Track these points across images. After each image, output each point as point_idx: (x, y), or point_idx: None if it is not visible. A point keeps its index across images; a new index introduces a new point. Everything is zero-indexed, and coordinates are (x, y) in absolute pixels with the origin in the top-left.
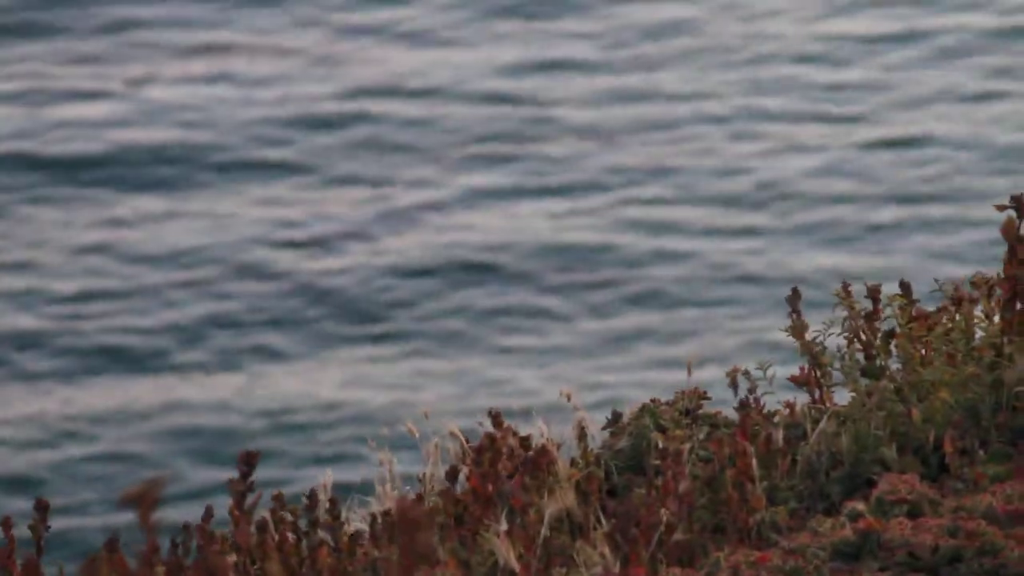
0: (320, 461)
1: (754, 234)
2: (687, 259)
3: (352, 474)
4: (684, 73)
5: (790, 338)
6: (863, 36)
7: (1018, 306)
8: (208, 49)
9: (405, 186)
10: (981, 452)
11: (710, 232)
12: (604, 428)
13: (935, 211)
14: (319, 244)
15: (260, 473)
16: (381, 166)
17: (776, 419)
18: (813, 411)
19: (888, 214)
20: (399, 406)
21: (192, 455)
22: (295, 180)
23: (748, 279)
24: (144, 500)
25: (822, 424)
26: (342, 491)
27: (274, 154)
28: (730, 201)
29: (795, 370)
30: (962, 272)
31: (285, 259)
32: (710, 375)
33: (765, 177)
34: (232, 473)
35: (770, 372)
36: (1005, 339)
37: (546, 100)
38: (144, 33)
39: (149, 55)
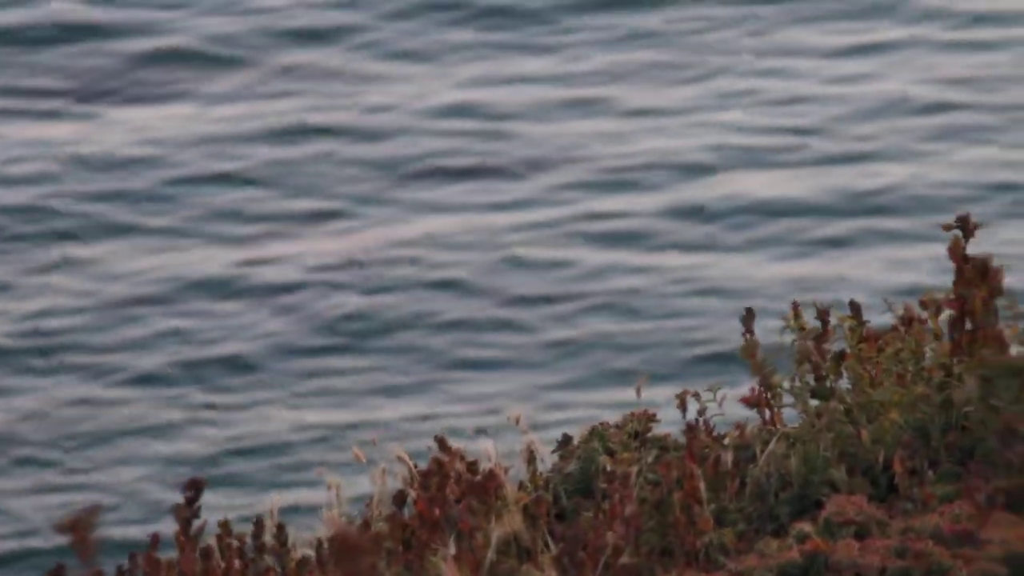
0: (280, 483)
1: (714, 247)
2: (647, 272)
3: (314, 496)
4: (642, 86)
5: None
6: (819, 48)
7: (967, 326)
8: (164, 60)
9: (364, 200)
10: (930, 472)
11: (670, 245)
12: (554, 451)
13: (893, 223)
14: (279, 260)
15: (220, 494)
16: (339, 180)
17: (726, 441)
18: (763, 432)
19: (846, 226)
20: (359, 424)
21: (151, 476)
22: (253, 194)
23: (708, 291)
24: (79, 528)
25: (771, 446)
26: (299, 514)
27: (232, 168)
28: (690, 213)
29: (756, 383)
30: (920, 280)
31: (244, 274)
32: (667, 392)
33: (724, 190)
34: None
35: (722, 393)
36: (954, 359)
37: (504, 113)
38: (100, 44)
39: (105, 66)
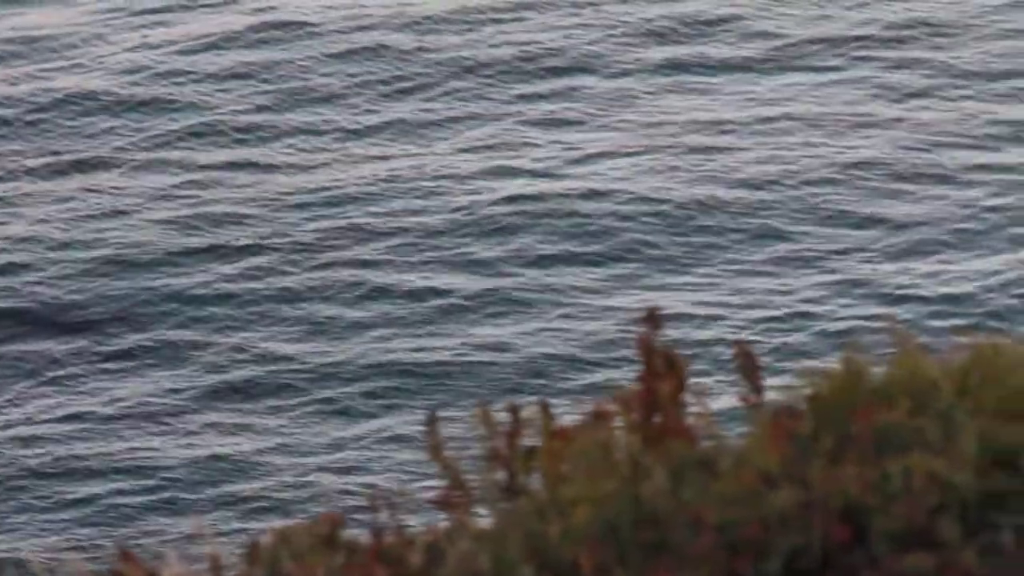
0: None
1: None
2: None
3: None
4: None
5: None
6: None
7: (656, 419)
8: None
9: None
10: (620, 569)
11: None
12: (240, 559)
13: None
14: None
15: None
16: None
17: (416, 541)
18: (454, 532)
19: None
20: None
21: None
22: None
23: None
24: None
25: (460, 546)
26: None
27: None
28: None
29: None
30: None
31: None
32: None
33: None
34: None
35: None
36: (644, 453)
37: None
38: None
39: None
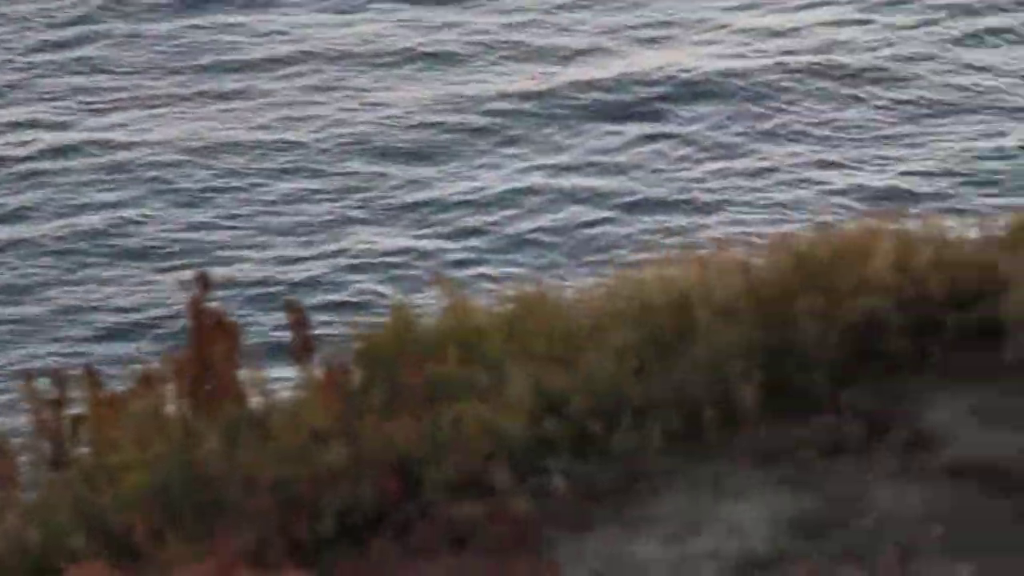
0: None
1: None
2: None
3: None
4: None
5: None
6: None
7: (207, 385)
8: None
9: None
10: (174, 531)
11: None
12: None
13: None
14: None
15: None
16: None
17: None
18: (1, 507)
19: None
20: None
21: None
22: None
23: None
24: None
25: (7, 520)
26: None
27: None
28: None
29: None
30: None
31: None
32: None
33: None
34: None
35: None
36: (195, 417)
37: None
38: None
39: None
